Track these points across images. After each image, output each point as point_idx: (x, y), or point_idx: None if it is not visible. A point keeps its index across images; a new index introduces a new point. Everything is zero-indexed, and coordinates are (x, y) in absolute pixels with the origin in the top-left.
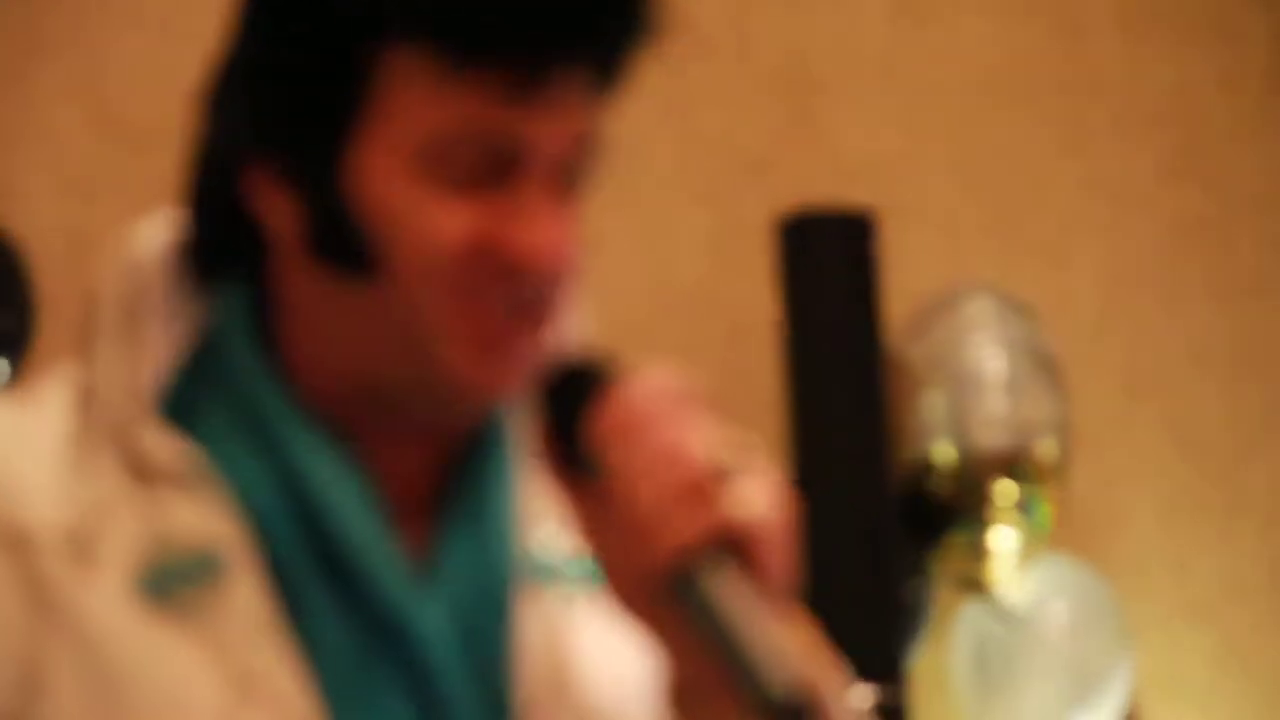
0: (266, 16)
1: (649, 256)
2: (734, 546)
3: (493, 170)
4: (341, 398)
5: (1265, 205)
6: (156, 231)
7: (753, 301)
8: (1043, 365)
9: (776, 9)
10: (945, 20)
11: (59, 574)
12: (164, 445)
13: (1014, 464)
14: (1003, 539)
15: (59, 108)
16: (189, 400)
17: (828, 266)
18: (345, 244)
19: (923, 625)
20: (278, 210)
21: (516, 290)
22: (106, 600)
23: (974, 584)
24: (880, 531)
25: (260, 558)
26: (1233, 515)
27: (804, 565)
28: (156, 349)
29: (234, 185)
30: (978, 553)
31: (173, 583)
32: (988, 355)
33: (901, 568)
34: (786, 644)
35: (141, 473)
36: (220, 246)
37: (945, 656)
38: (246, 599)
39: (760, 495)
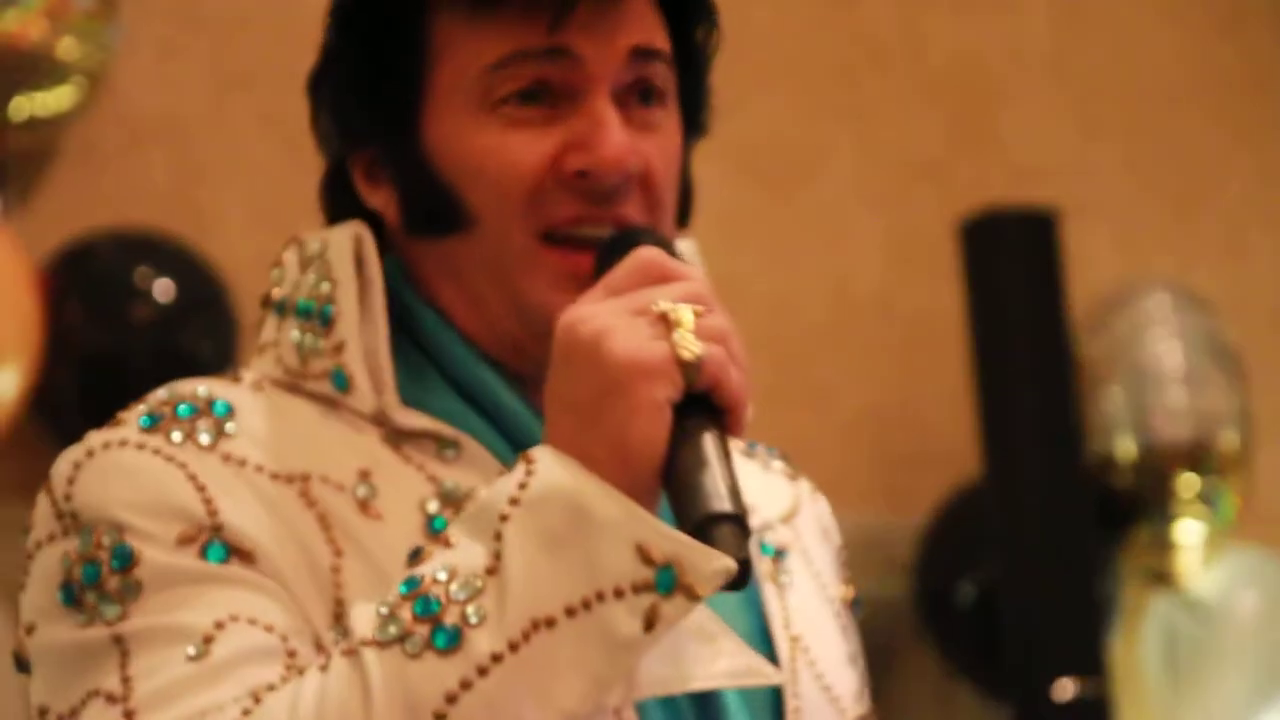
0: (331, 20)
1: (829, 264)
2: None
3: (552, 97)
4: (494, 357)
5: None
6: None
7: (932, 305)
8: (1221, 357)
9: (945, 15)
10: (1111, 21)
11: (346, 514)
12: (421, 421)
13: (1196, 456)
14: (1188, 531)
15: (254, 138)
16: (406, 370)
17: (1012, 265)
18: (435, 211)
19: (1113, 619)
20: (380, 197)
21: (586, 197)
22: (394, 541)
23: (1161, 577)
24: (1077, 528)
25: None
26: None
27: (1003, 564)
28: (383, 331)
29: (349, 181)
30: (1164, 546)
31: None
32: (1166, 349)
33: (1097, 561)
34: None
35: (403, 443)
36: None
37: (1136, 650)
38: None
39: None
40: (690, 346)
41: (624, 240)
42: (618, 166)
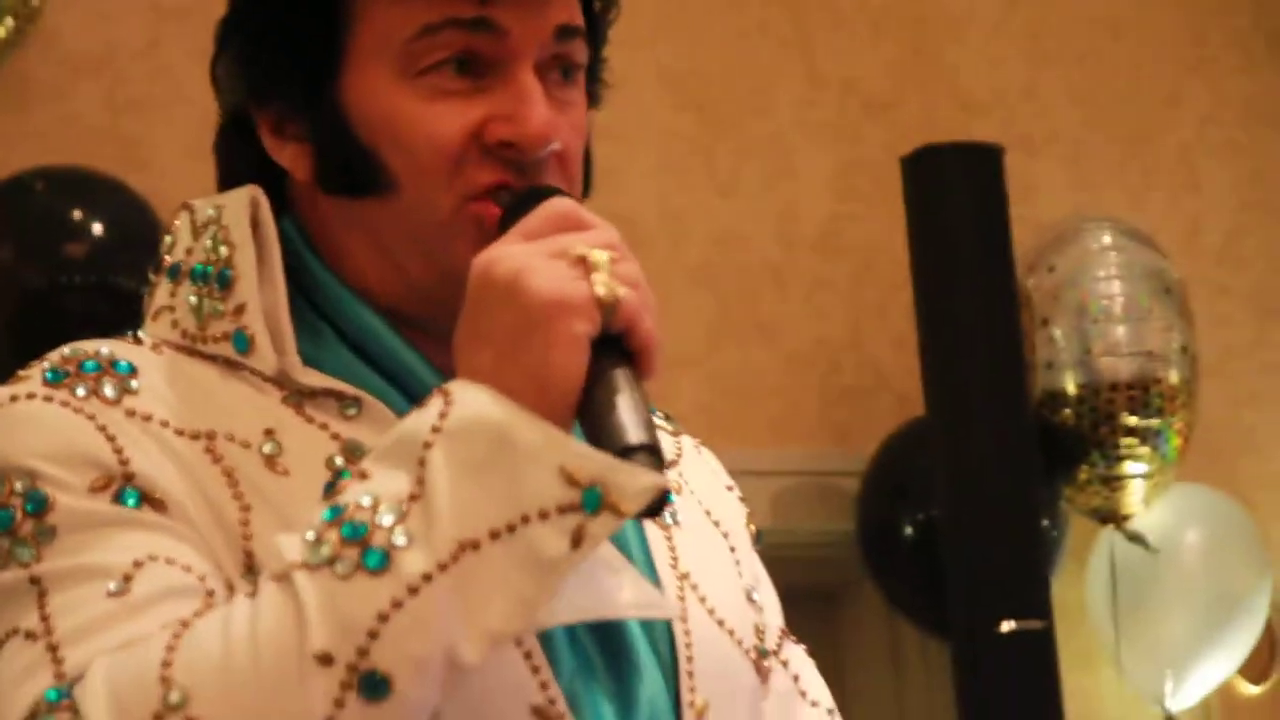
0: None
1: (776, 198)
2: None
3: (477, 69)
4: (395, 313)
5: None
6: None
7: (880, 240)
8: (1166, 293)
9: None
10: None
11: (252, 469)
12: (322, 380)
13: (1140, 393)
14: (1133, 468)
15: (190, 73)
16: (303, 330)
17: (956, 198)
18: (353, 172)
19: (1060, 555)
20: (289, 153)
21: (508, 166)
22: (303, 496)
23: (1107, 513)
24: (1021, 464)
25: None
26: None
27: (947, 500)
28: (282, 292)
29: (253, 135)
30: (1109, 482)
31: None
32: (1109, 286)
33: (1041, 498)
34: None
35: (304, 403)
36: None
37: (1082, 586)
38: None
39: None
40: (609, 286)
41: (533, 195)
42: (543, 140)
